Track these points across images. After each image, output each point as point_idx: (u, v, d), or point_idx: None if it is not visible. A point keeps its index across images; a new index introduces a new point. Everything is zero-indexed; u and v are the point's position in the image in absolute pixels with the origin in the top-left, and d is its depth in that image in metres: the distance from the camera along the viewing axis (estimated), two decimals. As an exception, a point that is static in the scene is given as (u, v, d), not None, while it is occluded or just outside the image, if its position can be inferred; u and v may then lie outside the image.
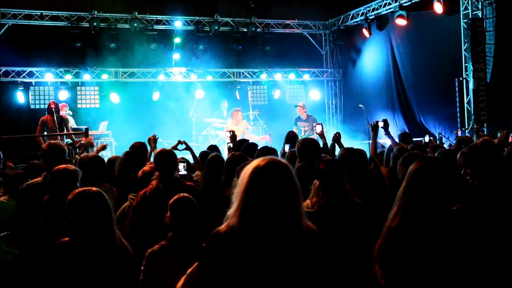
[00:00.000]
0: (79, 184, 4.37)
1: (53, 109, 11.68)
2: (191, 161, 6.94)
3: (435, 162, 3.16)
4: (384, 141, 11.15)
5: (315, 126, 7.83)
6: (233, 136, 7.66)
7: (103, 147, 7.75)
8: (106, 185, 5.45)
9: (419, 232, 2.93)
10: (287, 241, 2.60)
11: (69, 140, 12.03)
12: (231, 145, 7.74)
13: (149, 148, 7.39)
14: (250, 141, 8.13)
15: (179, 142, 7.56)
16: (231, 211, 2.67)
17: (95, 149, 7.74)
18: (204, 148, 8.43)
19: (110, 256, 3.39)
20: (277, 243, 2.58)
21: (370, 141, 7.08)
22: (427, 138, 9.00)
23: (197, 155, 7.20)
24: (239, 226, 2.60)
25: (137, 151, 6.82)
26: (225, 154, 8.11)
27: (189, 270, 3.22)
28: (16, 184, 5.71)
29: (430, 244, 2.91)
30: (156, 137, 7.71)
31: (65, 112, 13.52)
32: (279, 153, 7.08)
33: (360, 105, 14.76)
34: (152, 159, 7.00)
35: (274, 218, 2.57)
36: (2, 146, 8.73)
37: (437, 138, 10.44)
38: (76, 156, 6.85)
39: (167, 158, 5.09)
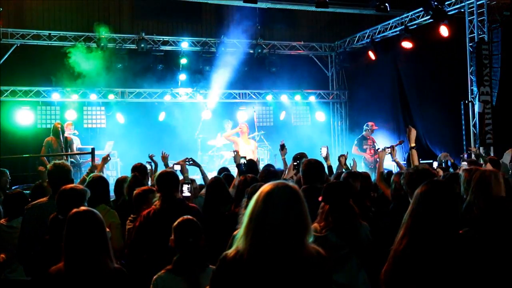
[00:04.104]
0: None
1: (59, 130, 11.70)
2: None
3: (442, 185, 3.14)
4: (390, 163, 11.14)
5: (321, 149, 7.82)
6: (236, 157, 7.65)
7: (105, 160, 7.59)
8: (105, 207, 5.38)
9: (426, 256, 2.91)
10: (291, 265, 2.59)
11: (74, 160, 12.03)
12: (244, 161, 7.71)
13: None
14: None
15: (186, 159, 7.56)
16: (239, 235, 2.67)
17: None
18: (210, 169, 8.47)
19: (101, 279, 3.37)
20: (281, 267, 2.57)
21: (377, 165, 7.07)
22: (435, 164, 8.96)
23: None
24: (246, 250, 2.60)
25: (141, 172, 6.83)
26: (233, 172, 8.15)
27: None
28: (15, 205, 5.71)
29: (437, 268, 2.89)
30: (167, 155, 7.79)
31: (70, 131, 13.55)
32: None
33: (369, 129, 14.75)
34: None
35: (278, 243, 2.57)
36: (7, 165, 8.73)
37: (443, 161, 10.41)
38: (84, 176, 6.80)
39: (168, 179, 5.07)
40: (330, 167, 7.55)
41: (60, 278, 3.36)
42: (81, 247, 3.36)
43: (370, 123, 14.38)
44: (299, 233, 2.63)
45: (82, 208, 3.58)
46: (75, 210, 3.53)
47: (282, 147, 7.99)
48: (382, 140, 15.08)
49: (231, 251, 2.67)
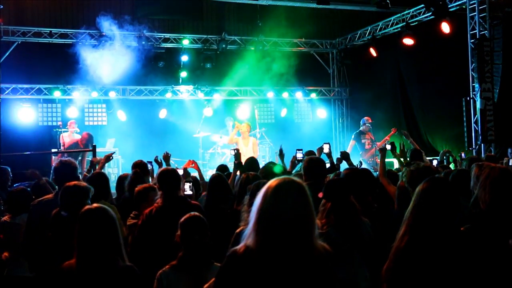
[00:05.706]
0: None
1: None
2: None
3: (443, 182, 3.14)
4: (391, 159, 11.16)
5: (323, 145, 7.78)
6: (237, 154, 7.64)
7: (107, 159, 7.60)
8: (105, 203, 5.41)
9: (427, 253, 2.92)
10: (301, 261, 2.59)
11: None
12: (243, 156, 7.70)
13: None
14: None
15: (190, 162, 7.57)
16: (247, 231, 2.66)
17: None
18: (211, 167, 8.46)
19: (114, 276, 3.37)
20: (291, 263, 2.57)
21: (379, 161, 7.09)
22: (435, 162, 8.93)
23: (204, 173, 7.23)
24: (256, 245, 2.59)
25: (141, 169, 6.84)
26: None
27: (205, 286, 3.22)
28: (19, 202, 5.71)
29: (439, 265, 2.89)
30: (169, 155, 7.77)
31: (73, 129, 13.57)
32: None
33: (368, 125, 14.74)
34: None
35: (288, 238, 2.56)
36: (8, 163, 8.73)
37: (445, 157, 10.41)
38: (85, 174, 6.81)
39: (169, 177, 5.06)
40: (332, 163, 7.55)
41: (71, 275, 3.36)
42: (93, 244, 3.36)
43: (366, 118, 14.41)
44: (308, 227, 2.62)
45: (95, 205, 3.58)
46: (87, 207, 3.53)
47: (280, 152, 7.93)
48: (383, 136, 15.06)
49: (240, 247, 2.65)
